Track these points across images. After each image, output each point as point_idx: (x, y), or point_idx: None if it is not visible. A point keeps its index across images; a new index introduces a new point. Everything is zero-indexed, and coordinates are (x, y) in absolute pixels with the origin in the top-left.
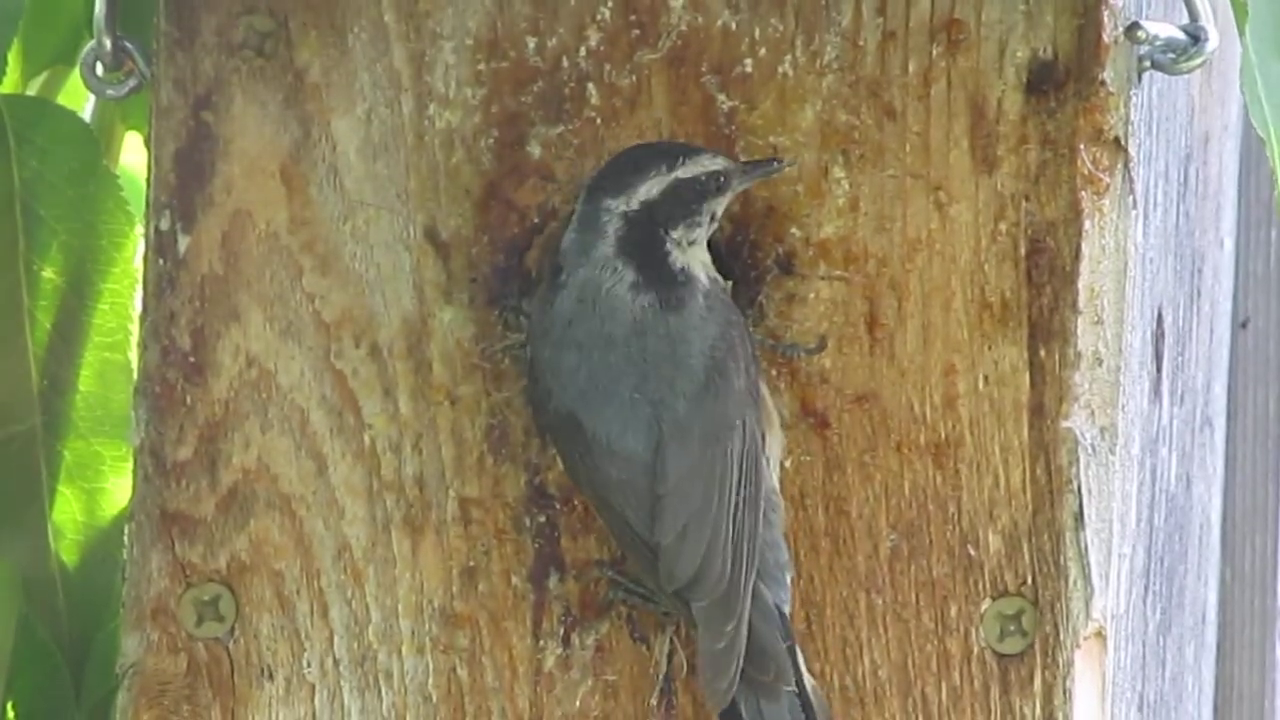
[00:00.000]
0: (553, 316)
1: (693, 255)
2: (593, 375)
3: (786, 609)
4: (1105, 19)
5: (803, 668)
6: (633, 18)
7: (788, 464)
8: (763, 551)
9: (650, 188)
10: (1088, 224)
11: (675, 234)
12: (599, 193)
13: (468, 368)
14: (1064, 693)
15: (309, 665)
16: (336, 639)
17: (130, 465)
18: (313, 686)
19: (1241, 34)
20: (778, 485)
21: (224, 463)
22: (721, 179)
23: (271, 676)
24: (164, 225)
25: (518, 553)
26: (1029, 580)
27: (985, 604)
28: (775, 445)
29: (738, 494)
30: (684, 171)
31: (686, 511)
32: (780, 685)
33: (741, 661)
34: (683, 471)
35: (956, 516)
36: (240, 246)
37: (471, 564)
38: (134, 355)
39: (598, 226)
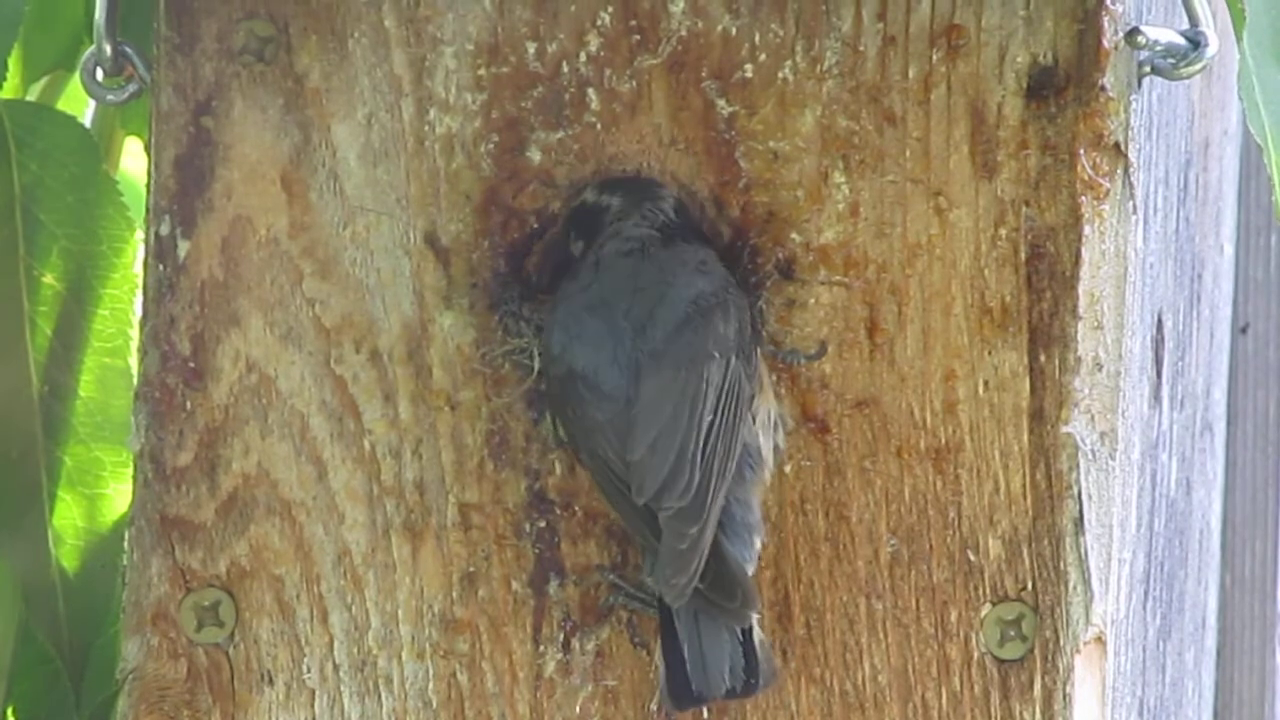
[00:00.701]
0: (575, 279)
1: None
2: (592, 313)
3: (750, 569)
4: (1105, 24)
5: (755, 620)
6: (633, 23)
7: (788, 469)
8: (731, 506)
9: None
10: (1088, 229)
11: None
12: (637, 194)
13: (468, 373)
14: (1064, 698)
15: (309, 670)
16: (336, 644)
17: (130, 471)
18: (313, 692)
19: (1239, 40)
20: (762, 450)
21: (224, 468)
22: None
23: (271, 682)
24: (164, 230)
25: (518, 558)
26: (1029, 585)
27: (985, 609)
28: (765, 411)
29: (712, 414)
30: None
31: (656, 426)
32: (747, 612)
33: (702, 564)
34: (653, 391)
35: (957, 521)
36: (240, 252)
37: (472, 569)
38: (134, 361)
39: (652, 215)
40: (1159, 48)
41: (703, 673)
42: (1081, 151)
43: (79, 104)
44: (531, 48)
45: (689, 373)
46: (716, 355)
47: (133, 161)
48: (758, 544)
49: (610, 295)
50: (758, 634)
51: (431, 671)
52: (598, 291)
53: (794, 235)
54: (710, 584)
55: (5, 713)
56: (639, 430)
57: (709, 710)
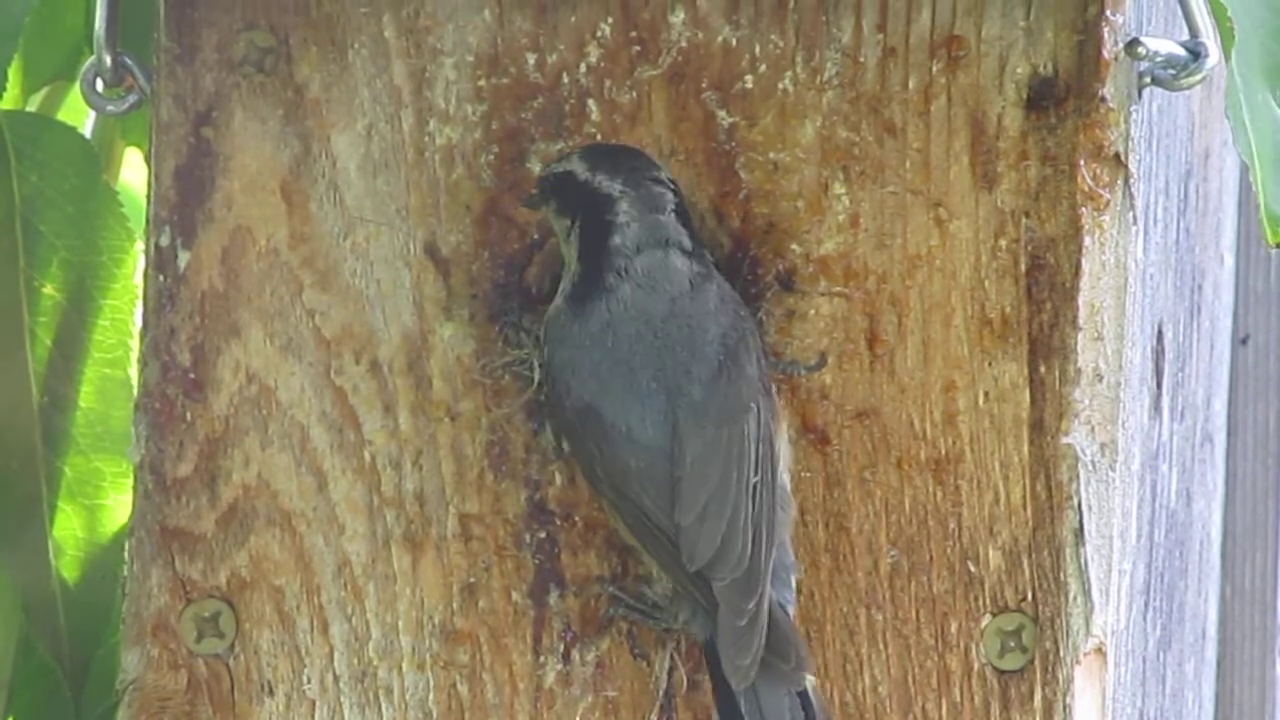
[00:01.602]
0: (585, 320)
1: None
2: (614, 367)
3: (790, 610)
4: (1105, 35)
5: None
6: (633, 34)
7: (785, 479)
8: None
9: (662, 170)
10: (1088, 240)
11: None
12: (637, 174)
13: (468, 384)
14: (1064, 709)
15: (309, 681)
16: (337, 655)
17: (130, 481)
18: (313, 703)
19: (1227, 60)
20: (788, 486)
21: (224, 479)
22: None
23: (272, 693)
24: (164, 241)
25: (518, 569)
26: (1029, 596)
27: (985, 620)
28: (784, 446)
29: (755, 474)
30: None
31: (705, 491)
32: (801, 674)
33: (764, 640)
34: (699, 453)
35: (957, 532)
36: (240, 262)
37: (472, 580)
38: (134, 371)
39: (658, 204)
40: (1159, 58)
41: None
42: (1082, 162)
43: (79, 115)
44: (531, 59)
45: (731, 430)
46: (752, 406)
47: (133, 172)
48: (794, 582)
49: (638, 349)
50: (811, 683)
51: (432, 682)
52: (614, 347)
53: (794, 246)
54: (766, 646)
55: None
56: (687, 494)
57: None
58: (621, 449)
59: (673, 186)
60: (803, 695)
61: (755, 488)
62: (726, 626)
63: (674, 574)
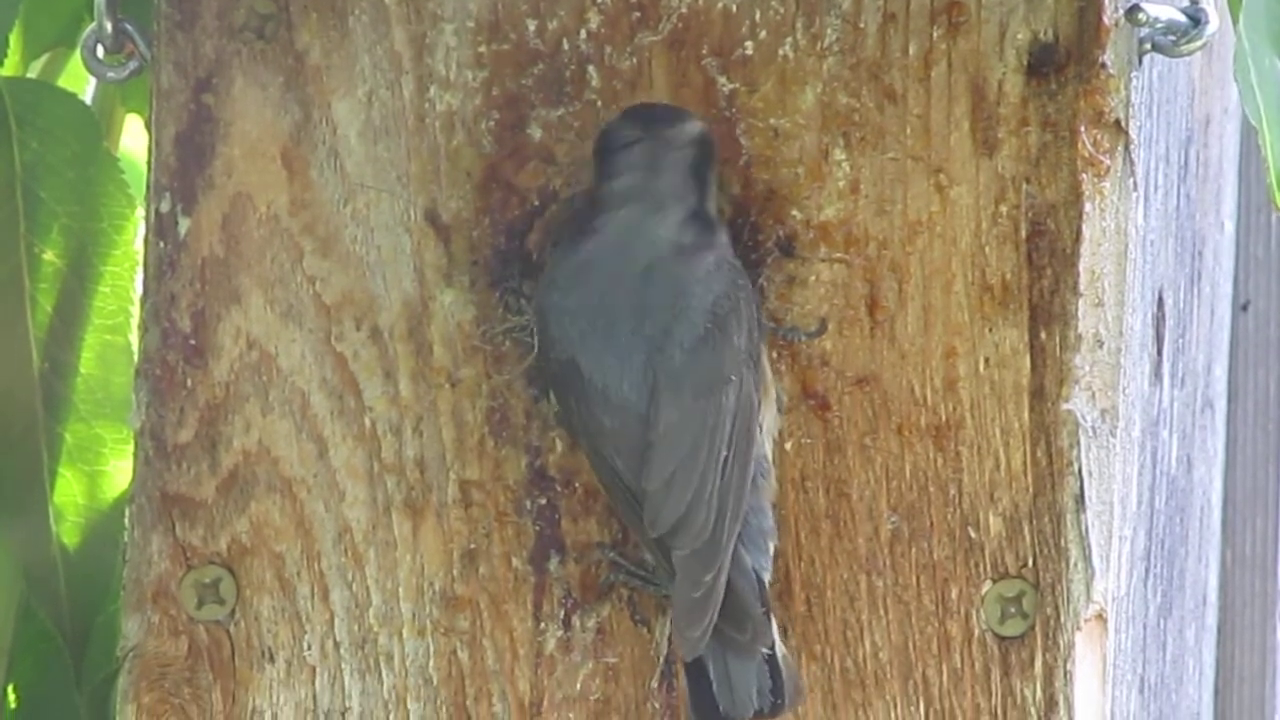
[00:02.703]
0: (572, 261)
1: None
2: (594, 316)
3: (766, 576)
4: (1106, 1)
5: (776, 636)
6: (633, 0)
7: (789, 446)
8: (747, 515)
9: (696, 124)
10: (1088, 206)
11: (710, 176)
12: (653, 124)
13: (468, 350)
14: (1065, 675)
15: (309, 648)
16: (337, 621)
17: (131, 448)
18: (313, 669)
19: (1235, 23)
20: (769, 455)
21: (224, 445)
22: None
23: (272, 659)
24: (164, 208)
25: (518, 535)
26: (1030, 563)
27: (986, 586)
28: (769, 416)
29: (728, 448)
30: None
31: (675, 459)
32: (756, 646)
33: (717, 613)
34: (673, 420)
35: (957, 499)
36: (241, 229)
37: (472, 546)
38: (135, 338)
39: (664, 156)
40: (1159, 25)
41: (729, 693)
42: (1082, 128)
43: (80, 81)
44: (532, 25)
45: (708, 402)
46: (732, 378)
47: (133, 139)
48: (772, 549)
49: (618, 301)
50: (780, 651)
51: (432, 648)
52: (601, 293)
53: (794, 212)
54: (722, 615)
55: (6, 690)
56: (656, 460)
57: None
58: (597, 407)
59: (700, 145)
60: (771, 663)
61: (726, 461)
62: (682, 597)
63: (637, 531)
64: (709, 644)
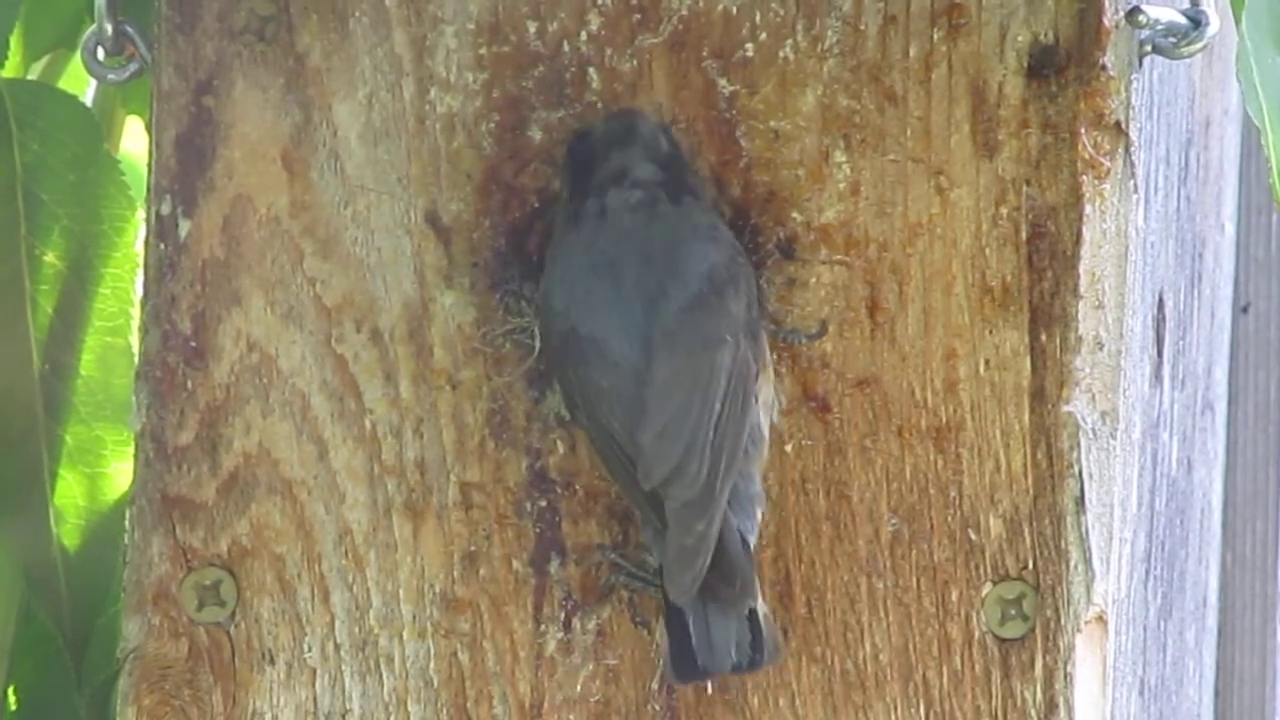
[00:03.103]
0: (573, 238)
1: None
2: (598, 271)
3: (751, 540)
4: (1106, 3)
5: (758, 596)
6: (633, 2)
7: (789, 448)
8: (735, 481)
9: (648, 120)
10: (1089, 208)
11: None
12: (629, 125)
13: (469, 352)
14: (1065, 677)
15: (310, 650)
16: (337, 623)
17: (131, 450)
18: (314, 671)
19: (1238, 23)
20: (763, 425)
21: (225, 447)
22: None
23: (273, 661)
24: (165, 210)
25: (519, 537)
26: (1030, 565)
27: (986, 588)
28: (766, 388)
29: (721, 404)
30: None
31: (668, 411)
32: (745, 600)
33: (708, 560)
34: (667, 376)
35: (957, 501)
36: (241, 231)
37: (472, 549)
38: (135, 340)
39: (649, 144)
40: (1160, 26)
41: (709, 648)
42: (1082, 130)
43: (80, 83)
44: (532, 27)
45: (702, 358)
46: (728, 339)
47: (134, 141)
48: (759, 514)
49: (617, 256)
50: (762, 609)
51: (433, 650)
52: (603, 250)
53: (795, 214)
54: (711, 568)
55: (6, 691)
56: (650, 413)
57: (710, 688)
58: (595, 369)
59: (669, 146)
60: (752, 620)
61: (720, 416)
62: (674, 544)
63: (631, 496)
64: (696, 599)
